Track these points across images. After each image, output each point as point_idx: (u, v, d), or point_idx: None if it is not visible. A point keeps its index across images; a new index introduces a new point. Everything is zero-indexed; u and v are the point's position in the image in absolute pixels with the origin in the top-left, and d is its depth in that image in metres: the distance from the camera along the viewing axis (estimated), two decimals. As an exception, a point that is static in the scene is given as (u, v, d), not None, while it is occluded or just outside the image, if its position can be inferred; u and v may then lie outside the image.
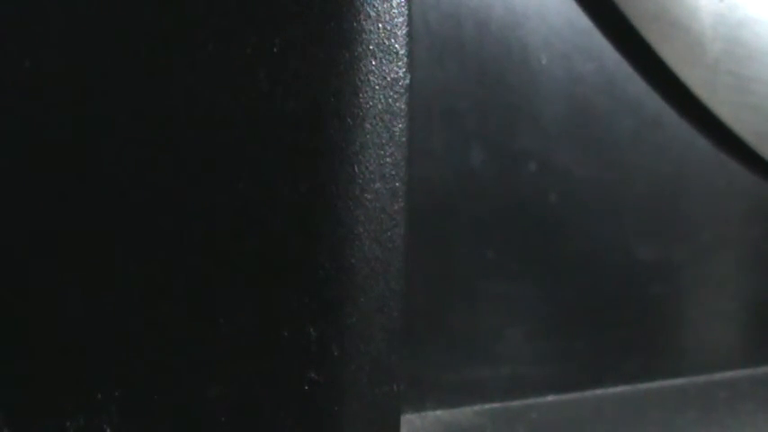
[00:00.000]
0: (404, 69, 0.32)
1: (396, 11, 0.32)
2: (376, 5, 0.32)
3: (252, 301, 0.31)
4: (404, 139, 0.33)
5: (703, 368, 0.56)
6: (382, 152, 0.32)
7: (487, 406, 0.46)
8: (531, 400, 0.47)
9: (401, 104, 0.32)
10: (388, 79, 0.32)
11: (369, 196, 0.32)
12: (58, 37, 0.31)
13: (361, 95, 0.31)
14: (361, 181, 0.31)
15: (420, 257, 0.42)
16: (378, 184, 0.32)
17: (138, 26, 0.31)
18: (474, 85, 0.45)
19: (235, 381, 0.31)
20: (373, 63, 0.32)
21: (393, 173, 0.32)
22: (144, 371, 0.31)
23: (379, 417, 0.32)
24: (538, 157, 0.48)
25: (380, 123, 0.32)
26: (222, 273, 0.31)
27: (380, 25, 0.32)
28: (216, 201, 0.31)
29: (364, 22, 0.31)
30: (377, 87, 0.32)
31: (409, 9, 0.33)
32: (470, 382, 0.45)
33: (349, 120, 0.31)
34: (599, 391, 0.50)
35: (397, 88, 0.32)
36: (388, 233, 0.32)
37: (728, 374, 0.56)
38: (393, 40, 0.32)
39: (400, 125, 0.32)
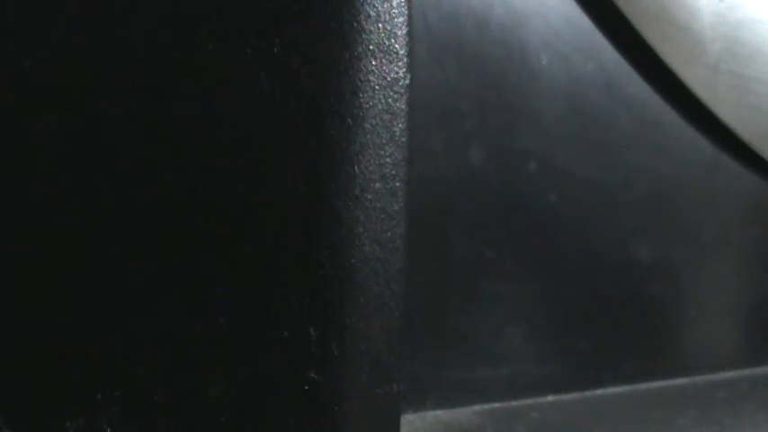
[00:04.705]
0: (404, 69, 0.33)
1: (396, 11, 0.32)
2: (376, 5, 0.32)
3: (252, 301, 0.31)
4: (404, 139, 0.33)
5: (703, 368, 0.56)
6: (382, 152, 0.32)
7: (487, 406, 0.46)
8: (531, 400, 0.47)
9: (401, 104, 0.32)
10: (388, 79, 0.32)
11: (369, 196, 0.32)
12: (58, 37, 0.31)
13: (361, 95, 0.31)
14: (361, 181, 0.31)
15: (420, 257, 0.42)
16: (378, 184, 0.32)
17: (138, 26, 0.31)
18: (474, 85, 0.45)
19: (235, 381, 0.31)
20: (373, 63, 0.32)
21: (393, 173, 0.32)
22: (144, 371, 0.31)
23: (379, 417, 0.32)
24: (538, 157, 0.48)
25: (380, 123, 0.32)
26: (222, 273, 0.31)
27: (380, 25, 0.32)
28: (216, 201, 0.31)
29: (364, 22, 0.31)
30: (377, 87, 0.32)
31: (409, 9, 0.33)
32: (470, 382, 0.45)
33: (349, 120, 0.31)
34: (599, 391, 0.50)
35: (397, 88, 0.32)
36: (388, 233, 0.32)
37: (728, 374, 0.56)
38: (393, 40, 0.32)
39: (400, 125, 0.32)
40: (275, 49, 0.31)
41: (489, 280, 0.46)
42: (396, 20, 0.32)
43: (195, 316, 0.31)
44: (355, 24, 0.31)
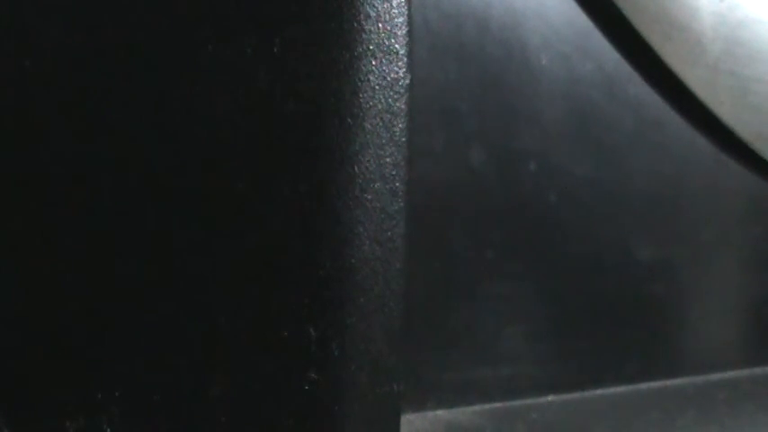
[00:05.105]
0: (404, 69, 0.32)
1: (396, 11, 0.32)
2: (376, 5, 0.32)
3: (252, 301, 0.31)
4: (404, 139, 0.33)
5: (703, 368, 0.56)
6: (382, 152, 0.32)
7: (487, 406, 0.46)
8: (531, 400, 0.47)
9: (401, 104, 0.32)
10: (388, 79, 0.32)
11: (369, 196, 0.32)
12: (58, 37, 0.31)
13: (361, 95, 0.31)
14: (361, 181, 0.31)
15: (420, 257, 0.42)
16: (378, 184, 0.32)
17: (138, 26, 0.31)
18: (474, 85, 0.45)
19: (235, 381, 0.31)
20: (373, 63, 0.32)
21: (393, 173, 0.32)
22: (144, 371, 0.31)
23: (379, 417, 0.32)
24: (538, 157, 0.48)
25: (380, 123, 0.32)
26: (222, 272, 0.31)
27: (380, 25, 0.32)
28: (216, 201, 0.31)
29: (364, 22, 0.31)
30: (377, 87, 0.32)
31: (409, 9, 0.33)
32: (470, 383, 0.45)
33: (349, 120, 0.31)
34: (599, 391, 0.50)
35: (397, 88, 0.32)
36: (388, 233, 0.32)
37: (728, 374, 0.56)
38: (393, 40, 0.32)
39: (400, 125, 0.32)
40: (275, 49, 0.31)
41: (489, 280, 0.46)
42: (396, 20, 0.32)
43: (195, 316, 0.31)
44: (355, 24, 0.31)
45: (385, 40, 0.32)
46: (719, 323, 0.58)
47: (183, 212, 0.31)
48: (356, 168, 0.31)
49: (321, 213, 0.31)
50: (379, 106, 0.32)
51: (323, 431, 0.31)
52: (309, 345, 0.31)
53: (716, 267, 0.57)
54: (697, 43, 0.53)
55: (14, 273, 0.32)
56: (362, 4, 0.31)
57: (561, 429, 0.47)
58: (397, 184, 0.32)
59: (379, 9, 0.32)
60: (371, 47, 0.32)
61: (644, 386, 0.52)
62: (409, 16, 0.33)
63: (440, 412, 0.44)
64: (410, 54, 0.33)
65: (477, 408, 0.45)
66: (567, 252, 0.49)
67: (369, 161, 0.32)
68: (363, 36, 0.31)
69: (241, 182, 0.31)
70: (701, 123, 0.54)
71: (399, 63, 0.32)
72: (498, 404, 0.46)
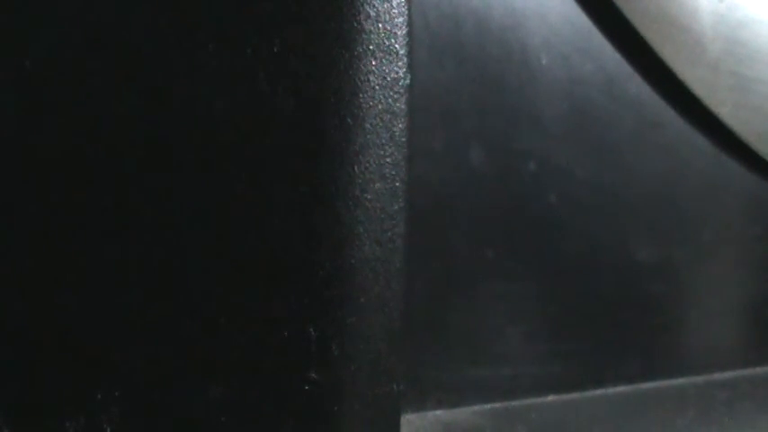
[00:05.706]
0: (404, 69, 0.33)
1: (396, 11, 0.32)
2: (376, 5, 0.32)
3: (252, 301, 0.31)
4: (404, 139, 0.33)
5: (703, 368, 0.56)
6: (382, 152, 0.32)
7: (487, 406, 0.46)
8: (531, 400, 0.47)
9: (401, 104, 0.32)
10: (388, 79, 0.32)
11: (369, 196, 0.32)
12: (58, 37, 0.31)
13: (361, 95, 0.31)
14: (361, 181, 0.31)
15: (420, 257, 0.42)
16: (378, 184, 0.32)
17: (138, 26, 0.31)
18: (474, 85, 0.45)
19: (235, 381, 0.31)
20: (373, 63, 0.32)
21: (393, 173, 0.32)
22: (144, 371, 0.31)
23: (379, 417, 0.32)
24: (538, 157, 0.48)
25: (380, 123, 0.32)
26: (222, 273, 0.31)
27: (380, 25, 0.32)
28: (216, 201, 0.31)
29: (364, 22, 0.31)
30: (377, 87, 0.32)
31: (409, 9, 0.33)
32: (470, 383, 0.45)
33: (349, 120, 0.31)
34: (599, 391, 0.50)
35: (397, 88, 0.32)
36: (388, 233, 0.32)
37: (728, 375, 0.56)
38: (393, 40, 0.32)
39: (400, 125, 0.32)
40: (275, 49, 0.31)
41: (489, 280, 0.46)
42: (396, 20, 0.32)
43: (195, 316, 0.31)
44: (355, 24, 0.31)
45: (385, 40, 0.32)
46: (719, 323, 0.58)
47: (183, 212, 0.31)
48: (356, 168, 0.31)
49: (321, 213, 0.31)
50: (380, 106, 0.32)
51: (323, 431, 0.31)
52: (309, 345, 0.31)
53: (716, 267, 0.57)
54: (697, 43, 0.53)
55: (14, 273, 0.32)
56: (362, 4, 0.31)
57: (561, 429, 0.47)
58: (397, 184, 0.32)
59: (379, 9, 0.32)
60: (371, 47, 0.32)
61: (644, 386, 0.52)
62: (409, 16, 0.33)
63: (440, 412, 0.44)
64: (410, 54, 0.33)
65: (477, 408, 0.45)
66: (566, 252, 0.49)
67: (369, 161, 0.32)
68: (363, 36, 0.31)
69: (241, 182, 0.31)
70: (701, 123, 0.54)
71: (399, 63, 0.32)
72: (498, 404, 0.46)
